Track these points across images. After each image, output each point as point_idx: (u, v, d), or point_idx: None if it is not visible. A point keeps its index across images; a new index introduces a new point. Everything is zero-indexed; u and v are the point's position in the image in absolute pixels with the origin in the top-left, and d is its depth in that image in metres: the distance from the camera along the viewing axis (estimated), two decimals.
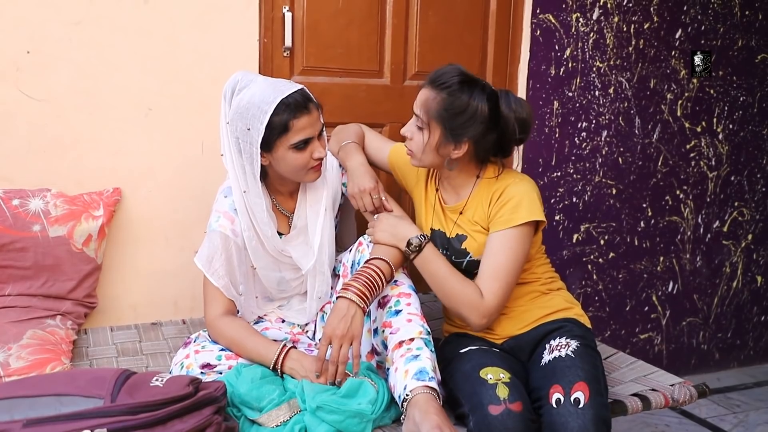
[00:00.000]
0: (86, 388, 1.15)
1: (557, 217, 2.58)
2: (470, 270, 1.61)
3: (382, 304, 1.51)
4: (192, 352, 1.51)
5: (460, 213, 1.64)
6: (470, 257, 1.62)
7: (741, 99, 2.85)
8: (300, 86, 1.52)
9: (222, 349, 1.52)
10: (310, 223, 1.62)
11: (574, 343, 1.50)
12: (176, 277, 1.99)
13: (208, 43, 1.96)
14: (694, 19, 2.67)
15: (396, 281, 1.54)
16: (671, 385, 1.61)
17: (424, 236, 1.57)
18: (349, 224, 1.90)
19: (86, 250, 1.80)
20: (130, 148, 1.92)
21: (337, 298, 1.45)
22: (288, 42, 2.08)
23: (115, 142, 1.91)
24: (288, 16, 2.06)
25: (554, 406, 1.37)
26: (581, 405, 1.35)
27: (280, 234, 1.62)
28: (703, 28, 2.69)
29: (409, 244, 1.55)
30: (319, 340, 1.67)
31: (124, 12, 1.86)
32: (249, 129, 1.47)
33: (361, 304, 1.42)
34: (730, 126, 2.85)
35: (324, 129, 1.56)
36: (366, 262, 1.51)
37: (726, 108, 2.82)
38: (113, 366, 1.70)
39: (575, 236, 2.63)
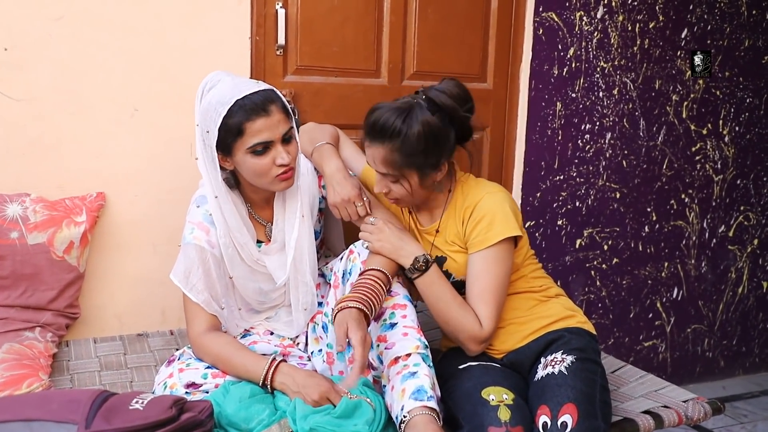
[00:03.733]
0: (59, 412, 1.06)
1: (560, 222, 2.50)
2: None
3: (376, 317, 1.42)
4: (176, 370, 1.42)
5: (437, 232, 1.57)
6: (453, 278, 1.56)
7: (747, 101, 2.77)
8: (267, 87, 1.43)
9: (208, 367, 1.43)
10: (287, 236, 1.53)
11: (569, 359, 1.42)
12: (163, 285, 1.88)
13: (198, 40, 1.87)
14: (700, 18, 2.59)
15: (390, 292, 1.45)
16: (684, 402, 1.53)
17: (429, 255, 1.49)
18: (336, 226, 1.81)
19: (68, 258, 1.71)
20: (114, 150, 1.83)
21: (335, 314, 1.35)
22: (281, 40, 1.99)
23: (99, 143, 1.81)
24: (281, 12, 1.98)
25: (541, 430, 1.29)
26: (568, 429, 1.27)
27: (260, 242, 1.54)
28: (709, 27, 2.62)
29: (416, 262, 1.47)
30: (311, 352, 1.59)
31: (109, 7, 1.77)
32: (208, 131, 1.40)
33: (361, 307, 1.32)
34: (737, 128, 2.78)
35: (293, 132, 1.45)
36: (361, 274, 1.42)
37: (732, 110, 2.75)
38: (95, 381, 1.62)
39: (578, 241, 2.55)
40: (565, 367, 1.39)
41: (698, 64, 2.58)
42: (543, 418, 1.30)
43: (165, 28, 1.83)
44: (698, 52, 2.58)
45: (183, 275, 1.44)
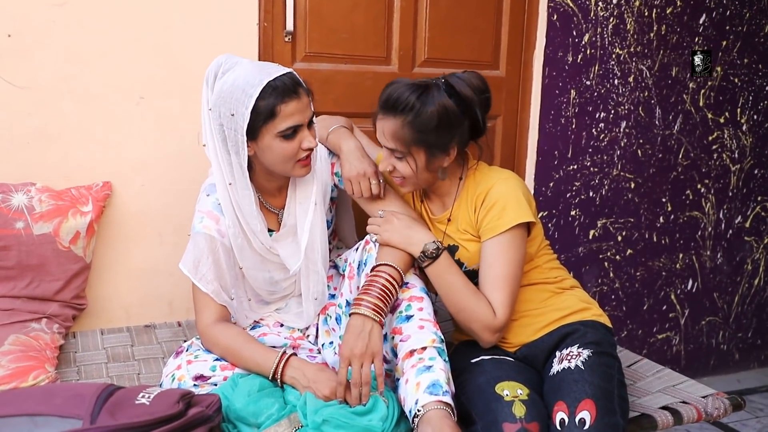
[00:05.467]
0: (64, 407, 1.03)
1: (573, 213, 2.45)
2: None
3: (392, 309, 1.39)
4: (184, 362, 1.39)
5: (448, 221, 1.53)
6: (465, 268, 1.52)
7: (767, 88, 2.71)
8: (289, 70, 1.39)
9: (216, 359, 1.40)
10: (299, 222, 1.50)
11: (585, 353, 1.38)
12: (171, 275, 1.87)
13: (204, 26, 1.83)
14: (719, 3, 2.52)
15: (407, 283, 1.41)
16: (703, 397, 1.49)
17: (440, 242, 1.45)
18: (347, 217, 1.78)
19: (74, 249, 1.69)
20: (120, 139, 1.80)
21: (350, 315, 1.33)
22: (289, 26, 1.95)
23: (105, 132, 1.78)
24: None
25: (558, 427, 1.26)
26: (586, 426, 1.23)
27: (270, 231, 1.50)
28: (728, 13, 2.55)
29: (425, 250, 1.43)
30: (322, 344, 1.56)
31: None
32: (233, 114, 1.34)
33: (377, 318, 1.31)
34: (755, 117, 2.71)
35: (314, 118, 1.44)
36: (373, 269, 1.39)
37: (750, 98, 2.68)
38: (102, 373, 1.60)
39: (591, 232, 2.50)
40: (582, 361, 1.35)
41: (698, 65, 2.52)
42: (560, 415, 1.27)
43: (171, 14, 1.80)
44: (698, 52, 2.51)
45: (192, 265, 1.41)
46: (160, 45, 1.80)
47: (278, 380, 1.35)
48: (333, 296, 1.59)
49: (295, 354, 1.41)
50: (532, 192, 2.35)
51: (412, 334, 1.33)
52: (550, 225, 2.42)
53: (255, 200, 1.46)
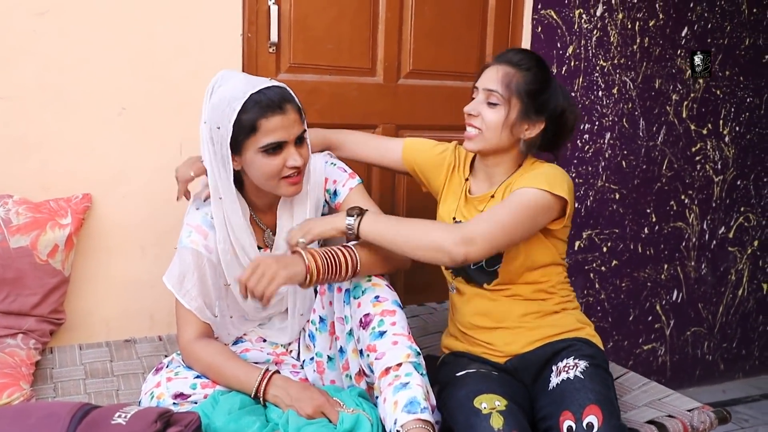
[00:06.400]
0: (37, 427, 1.00)
1: None
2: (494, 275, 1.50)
3: (364, 324, 1.35)
4: (164, 379, 1.36)
5: (491, 197, 1.50)
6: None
7: (748, 100, 2.74)
8: (280, 84, 1.37)
9: (197, 376, 1.37)
10: None
11: (582, 364, 1.37)
12: (152, 288, 1.84)
13: (187, 37, 1.81)
14: (700, 16, 2.55)
15: (378, 297, 1.37)
16: (689, 411, 1.48)
17: (359, 209, 1.41)
18: (335, 237, 1.75)
19: (52, 262, 1.65)
20: (101, 150, 1.77)
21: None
22: (274, 37, 1.94)
23: (85, 143, 1.75)
24: (274, 9, 1.92)
25: None
26: (595, 430, 1.22)
27: (258, 248, 1.48)
28: (709, 26, 2.57)
29: (349, 211, 1.39)
30: (303, 360, 1.54)
31: (96, 2, 1.71)
32: (219, 127, 1.32)
33: (307, 257, 1.30)
34: (737, 128, 2.74)
35: (305, 135, 1.40)
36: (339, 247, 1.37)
37: (732, 109, 2.71)
38: (80, 389, 1.56)
39: (577, 243, 2.50)
40: (581, 371, 1.34)
41: (698, 64, 2.54)
42: (567, 423, 1.25)
43: (154, 24, 1.78)
44: (698, 52, 2.54)
45: (177, 280, 1.38)
46: (143, 55, 1.78)
47: (261, 398, 1.32)
48: None
49: (278, 372, 1.38)
50: None
51: (387, 351, 1.30)
52: None
53: (245, 214, 1.43)
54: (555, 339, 1.47)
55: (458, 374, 1.42)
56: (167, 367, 1.42)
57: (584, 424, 1.24)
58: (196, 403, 1.33)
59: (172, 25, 1.80)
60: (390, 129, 2.15)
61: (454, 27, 2.19)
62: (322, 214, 1.56)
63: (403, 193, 2.22)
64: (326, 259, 1.32)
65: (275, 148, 1.33)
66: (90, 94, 1.74)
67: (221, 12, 1.85)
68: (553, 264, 1.51)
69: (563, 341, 1.46)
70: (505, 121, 1.44)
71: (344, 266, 1.34)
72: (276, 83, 1.37)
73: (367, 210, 1.40)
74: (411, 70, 2.16)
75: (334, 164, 1.55)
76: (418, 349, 1.34)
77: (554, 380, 1.37)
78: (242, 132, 1.32)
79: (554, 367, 1.40)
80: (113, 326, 1.85)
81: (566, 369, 1.37)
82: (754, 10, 2.65)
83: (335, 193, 1.53)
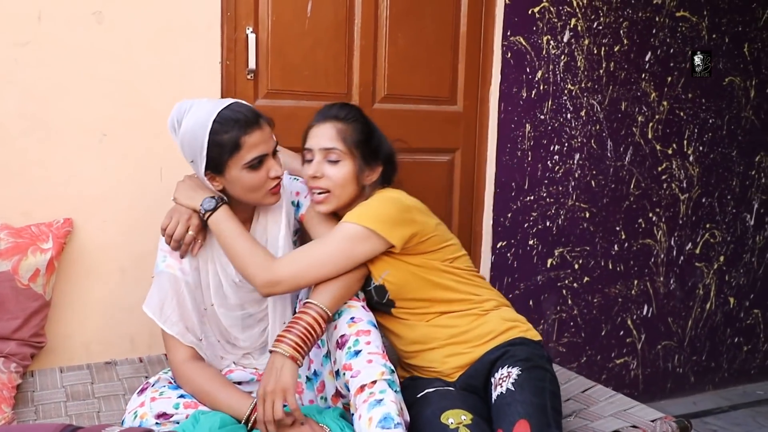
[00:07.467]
0: None
1: (531, 242, 2.52)
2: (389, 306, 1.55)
3: (340, 345, 1.40)
4: (148, 399, 1.39)
5: None
6: (372, 284, 1.53)
7: (710, 121, 2.85)
8: (242, 101, 1.45)
9: (180, 396, 1.41)
10: (270, 245, 1.52)
11: (515, 372, 1.40)
12: (132, 311, 1.86)
13: (167, 65, 1.87)
14: (663, 42, 2.67)
15: (353, 318, 1.43)
16: (652, 421, 1.54)
17: (221, 198, 1.47)
18: None
19: (33, 286, 1.68)
20: (82, 176, 1.81)
21: (270, 352, 1.35)
22: (252, 64, 2.00)
23: (67, 169, 1.79)
24: (252, 37, 1.98)
25: None
26: None
27: None
28: (672, 51, 2.69)
29: (210, 197, 1.45)
30: None
31: (77, 32, 1.76)
32: (192, 161, 1.41)
33: (292, 355, 1.32)
34: (701, 148, 2.85)
35: (277, 147, 1.48)
36: (304, 305, 1.41)
37: (696, 130, 2.82)
38: (61, 412, 1.58)
39: (549, 261, 2.58)
40: (512, 382, 1.38)
41: (698, 64, 2.64)
42: None
43: (134, 53, 1.83)
44: (698, 52, 2.64)
45: (157, 306, 1.42)
46: (123, 84, 1.82)
47: (248, 425, 1.35)
48: None
49: None
50: (491, 223, 2.42)
51: (362, 369, 1.35)
52: (509, 254, 2.48)
53: None
54: (488, 348, 1.49)
55: (419, 395, 1.46)
56: (153, 386, 1.45)
57: None
58: (178, 422, 1.36)
59: (153, 53, 1.85)
60: None
61: (427, 53, 2.27)
62: (296, 230, 1.64)
63: None
64: (302, 336, 1.35)
65: (259, 162, 1.40)
66: (71, 121, 1.78)
67: (200, 41, 1.91)
68: (441, 271, 1.53)
69: (497, 348, 1.48)
70: (351, 174, 1.51)
71: (318, 327, 1.38)
72: (238, 100, 1.44)
73: (224, 204, 1.45)
74: (386, 95, 2.23)
75: (296, 179, 1.65)
76: (392, 367, 1.39)
77: (493, 395, 1.40)
78: (225, 151, 1.38)
79: (492, 380, 1.43)
80: (94, 349, 1.87)
81: (501, 381, 1.40)
82: (714, 36, 2.78)
83: (298, 205, 1.62)
